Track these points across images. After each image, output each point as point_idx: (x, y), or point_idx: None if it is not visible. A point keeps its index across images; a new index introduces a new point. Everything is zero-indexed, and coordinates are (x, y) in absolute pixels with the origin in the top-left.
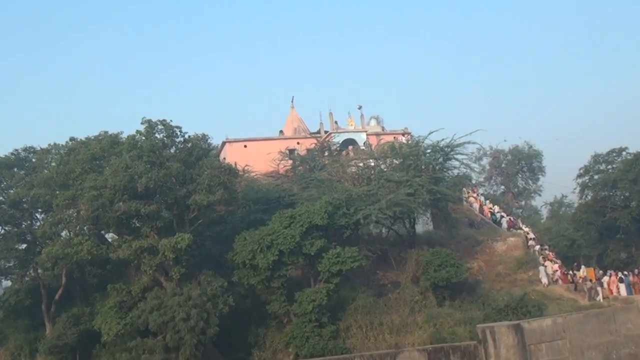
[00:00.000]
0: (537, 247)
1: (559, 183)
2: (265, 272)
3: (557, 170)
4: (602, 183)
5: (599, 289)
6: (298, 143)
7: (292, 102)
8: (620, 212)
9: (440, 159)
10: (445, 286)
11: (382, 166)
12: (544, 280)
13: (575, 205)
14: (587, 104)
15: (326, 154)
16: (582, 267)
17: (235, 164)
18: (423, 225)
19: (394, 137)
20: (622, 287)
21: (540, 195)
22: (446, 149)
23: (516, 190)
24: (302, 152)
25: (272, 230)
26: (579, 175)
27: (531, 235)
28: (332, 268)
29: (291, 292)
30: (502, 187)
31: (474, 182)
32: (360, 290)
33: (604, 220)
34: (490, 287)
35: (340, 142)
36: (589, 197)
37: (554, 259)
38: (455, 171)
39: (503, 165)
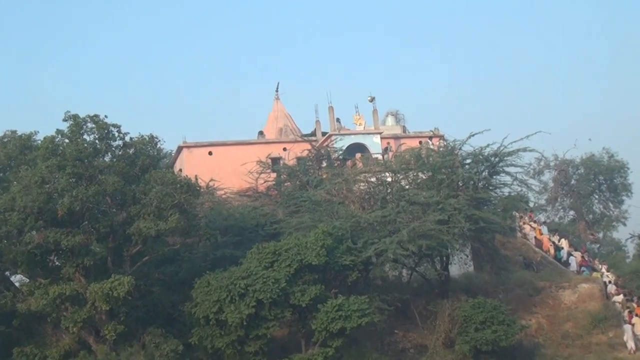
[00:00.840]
0: (621, 298)
1: None
2: (237, 331)
3: None
4: None
5: None
6: (285, 149)
7: (276, 91)
8: None
9: (485, 173)
10: (491, 351)
11: (403, 182)
12: (630, 344)
13: None
14: None
15: (324, 164)
16: None
17: (196, 178)
18: (460, 266)
19: (420, 142)
20: None
21: (625, 224)
22: (493, 159)
23: (591, 217)
24: (291, 162)
25: (248, 271)
26: None
27: (612, 280)
28: (331, 326)
29: (274, 359)
30: (572, 212)
31: (531, 205)
32: (371, 356)
33: None
34: (555, 353)
35: (345, 147)
36: None
37: None
38: (506, 190)
39: (573, 182)
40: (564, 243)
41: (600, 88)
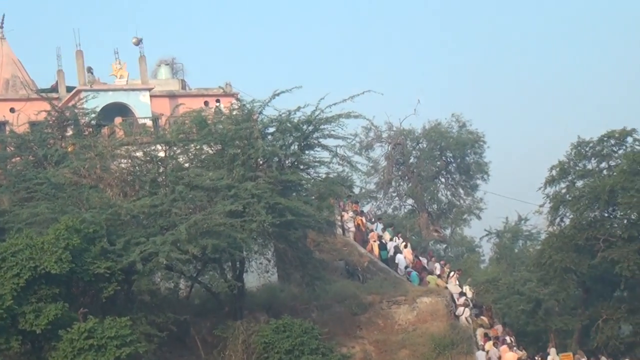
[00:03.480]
0: (469, 313)
1: (514, 195)
2: None
3: (510, 172)
4: (589, 195)
5: None
6: (12, 110)
7: (0, 26)
8: (621, 250)
9: (295, 147)
10: None
11: (182, 159)
12: None
13: (542, 236)
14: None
15: (70, 132)
16: (553, 350)
17: None
18: (260, 275)
19: (205, 103)
20: None
21: (479, 217)
22: (306, 128)
23: (436, 207)
24: (21, 129)
25: None
26: (549, 182)
27: (460, 291)
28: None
29: None
30: (410, 201)
31: (357, 191)
32: None
33: (592, 265)
34: None
35: (99, 109)
36: (566, 222)
37: (504, 335)
38: (323, 170)
39: (412, 161)
40: (387, 236)
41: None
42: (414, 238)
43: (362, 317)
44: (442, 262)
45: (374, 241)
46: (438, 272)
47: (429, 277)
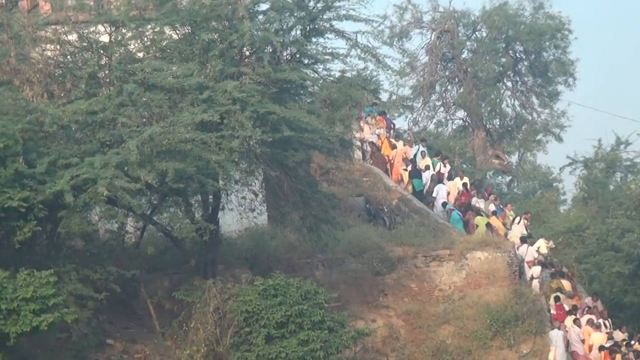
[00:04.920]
0: (542, 276)
1: (610, 108)
2: None
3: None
4: None
5: None
6: None
7: None
8: None
9: (297, 31)
10: None
11: (133, 45)
12: None
13: None
14: None
15: None
16: None
17: None
18: (243, 214)
19: None
20: None
21: (560, 139)
22: (313, 4)
23: (498, 123)
24: None
25: None
26: None
27: (529, 243)
28: None
29: None
30: (462, 113)
31: (385, 98)
32: None
33: None
34: None
35: None
36: None
37: (590, 308)
38: (336, 67)
39: (466, 55)
40: (426, 160)
41: None
42: (465, 167)
43: (388, 278)
44: (499, 202)
45: (402, 167)
46: (519, 226)
47: (478, 219)
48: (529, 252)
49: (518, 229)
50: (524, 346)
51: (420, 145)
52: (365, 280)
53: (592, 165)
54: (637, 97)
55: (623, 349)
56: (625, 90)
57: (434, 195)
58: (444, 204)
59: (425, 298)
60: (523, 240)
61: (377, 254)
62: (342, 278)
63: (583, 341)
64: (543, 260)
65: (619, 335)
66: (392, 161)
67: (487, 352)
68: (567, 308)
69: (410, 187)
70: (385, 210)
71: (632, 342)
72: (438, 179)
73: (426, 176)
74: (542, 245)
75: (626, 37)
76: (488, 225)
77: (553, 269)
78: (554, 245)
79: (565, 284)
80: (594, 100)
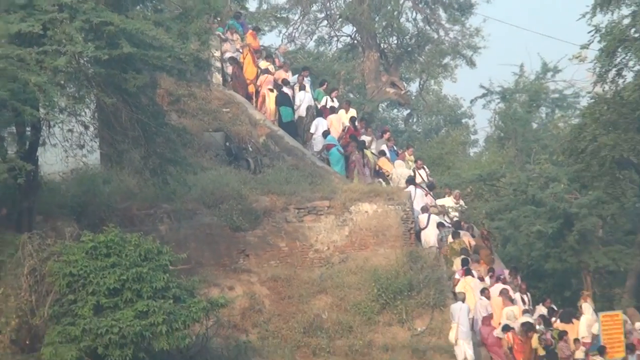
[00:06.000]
0: (444, 232)
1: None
2: None
3: None
4: None
5: None
6: None
7: None
8: None
9: None
10: None
11: None
12: (466, 350)
13: (583, 102)
14: None
15: None
16: (587, 305)
17: None
18: (68, 152)
19: None
20: None
21: (472, 63)
22: None
23: (395, 41)
24: None
25: None
26: (600, 4)
27: (428, 193)
28: None
29: None
30: (350, 29)
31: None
32: None
33: None
34: None
35: None
36: (627, 79)
37: (501, 277)
38: None
39: None
40: (282, 73)
41: None
42: (352, 97)
43: (251, 235)
44: (393, 143)
45: (269, 89)
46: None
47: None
48: (417, 197)
49: (401, 167)
50: (419, 322)
51: (306, 78)
52: (222, 237)
53: (512, 98)
54: (571, 13)
55: (540, 327)
56: (557, 4)
57: (312, 131)
58: (325, 134)
59: (296, 261)
60: (410, 182)
61: (238, 204)
62: (193, 234)
63: (492, 316)
64: (448, 216)
65: (541, 310)
66: (259, 88)
67: (372, 329)
68: (475, 275)
69: (272, 112)
70: (250, 149)
71: (553, 319)
72: (310, 108)
73: (298, 100)
74: (448, 199)
75: None
76: None
77: (458, 228)
78: (463, 204)
79: (467, 242)
80: (517, 16)
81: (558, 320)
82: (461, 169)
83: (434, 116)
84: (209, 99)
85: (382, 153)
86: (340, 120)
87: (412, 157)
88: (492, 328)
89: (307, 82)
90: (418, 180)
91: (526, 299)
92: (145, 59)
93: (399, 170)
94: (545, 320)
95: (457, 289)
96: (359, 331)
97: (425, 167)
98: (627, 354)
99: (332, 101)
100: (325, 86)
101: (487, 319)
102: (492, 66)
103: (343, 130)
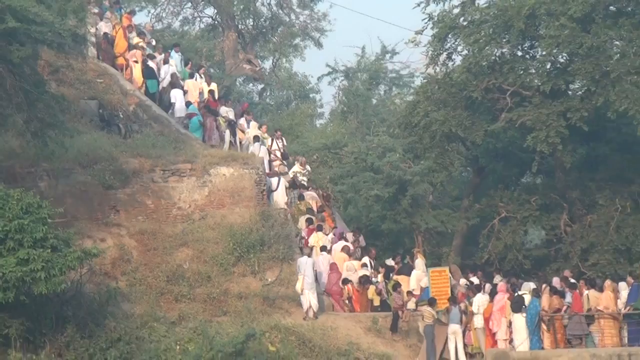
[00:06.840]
0: (292, 195)
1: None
2: None
3: None
4: (496, 20)
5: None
6: None
7: None
8: (538, 111)
9: None
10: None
11: None
12: (311, 301)
13: (417, 81)
14: None
15: None
16: (419, 261)
17: None
18: None
19: None
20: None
21: (319, 44)
22: None
23: (251, 24)
24: None
25: None
26: None
27: (281, 162)
28: None
29: None
30: (212, 11)
31: None
32: None
33: (490, 132)
34: (148, 317)
35: None
36: (456, 62)
37: (343, 235)
38: None
39: None
40: (169, 65)
41: None
42: (213, 71)
43: (121, 193)
44: (252, 117)
45: (135, 61)
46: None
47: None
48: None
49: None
50: (270, 273)
51: (175, 54)
52: (95, 194)
53: (354, 76)
54: (408, 2)
55: (377, 279)
56: None
57: (172, 101)
58: (188, 104)
59: (161, 217)
60: (256, 139)
61: (110, 165)
62: (70, 191)
63: (332, 267)
64: (297, 180)
65: (389, 263)
66: (128, 62)
67: (228, 278)
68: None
69: (139, 84)
70: (121, 116)
71: (391, 274)
72: (173, 78)
73: (163, 72)
74: (297, 166)
75: None
76: None
77: (304, 190)
78: (309, 169)
79: (312, 203)
80: (361, 2)
81: (395, 274)
82: (308, 139)
83: (285, 91)
84: (85, 70)
85: (256, 139)
86: (197, 86)
87: (267, 134)
88: (338, 276)
89: (177, 57)
90: (274, 148)
91: (372, 263)
92: (28, 33)
93: (252, 132)
94: (386, 273)
95: (311, 242)
96: (216, 280)
97: (283, 138)
98: (452, 305)
99: (201, 77)
100: (189, 66)
101: (334, 268)
102: (337, 47)
103: (202, 100)
